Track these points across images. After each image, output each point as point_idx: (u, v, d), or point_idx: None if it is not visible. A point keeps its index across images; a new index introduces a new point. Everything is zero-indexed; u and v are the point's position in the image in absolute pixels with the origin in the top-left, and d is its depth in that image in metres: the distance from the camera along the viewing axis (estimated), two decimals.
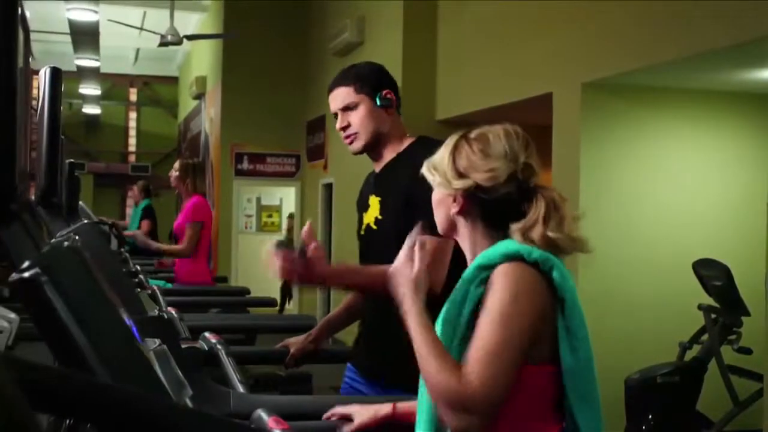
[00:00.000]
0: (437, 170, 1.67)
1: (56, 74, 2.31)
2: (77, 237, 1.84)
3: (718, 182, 6.18)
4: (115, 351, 1.23)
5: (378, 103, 2.58)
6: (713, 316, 5.26)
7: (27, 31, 1.48)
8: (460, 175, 1.62)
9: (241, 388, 2.13)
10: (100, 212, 11.29)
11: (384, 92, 2.60)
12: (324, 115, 11.53)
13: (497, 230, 1.62)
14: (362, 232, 2.70)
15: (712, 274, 5.27)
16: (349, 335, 10.10)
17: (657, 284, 5.88)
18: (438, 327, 1.57)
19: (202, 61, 15.26)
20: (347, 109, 2.59)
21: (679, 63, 5.18)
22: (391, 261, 2.51)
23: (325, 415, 1.91)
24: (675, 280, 5.80)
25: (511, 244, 1.56)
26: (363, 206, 2.71)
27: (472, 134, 1.66)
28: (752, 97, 6.11)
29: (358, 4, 10.03)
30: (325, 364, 5.02)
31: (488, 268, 1.54)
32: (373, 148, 2.63)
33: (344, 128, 2.60)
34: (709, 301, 5.33)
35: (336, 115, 2.63)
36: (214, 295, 5.75)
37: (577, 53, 6.03)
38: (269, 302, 5.56)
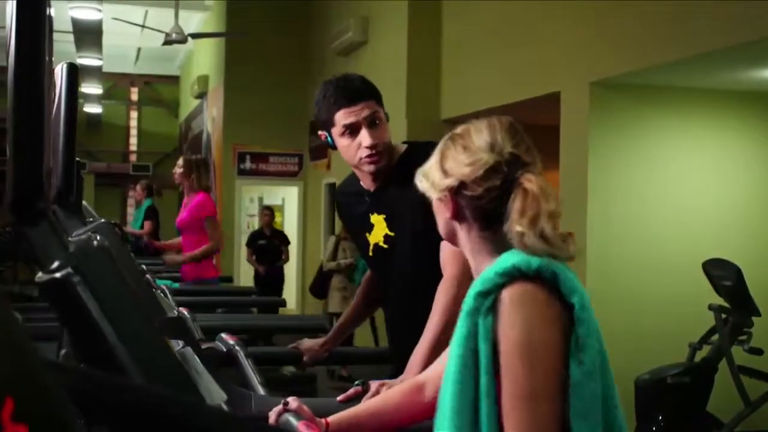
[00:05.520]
0: (426, 177, 1.59)
1: (73, 71, 2.28)
2: (98, 236, 1.80)
3: (729, 181, 6.15)
4: (147, 351, 1.20)
5: (386, 119, 2.48)
6: (724, 316, 5.23)
7: (51, 31, 1.46)
8: (445, 175, 1.53)
9: (261, 390, 2.09)
10: (101, 212, 11.28)
11: (384, 108, 2.49)
12: None
13: (494, 232, 1.50)
14: (371, 254, 2.59)
15: (723, 274, 5.24)
16: (356, 337, 9.98)
17: (666, 284, 5.84)
18: (453, 369, 1.45)
19: (204, 60, 15.23)
20: (375, 122, 2.42)
21: (687, 62, 5.16)
22: (409, 270, 2.49)
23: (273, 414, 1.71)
24: (685, 280, 5.77)
25: (506, 259, 1.45)
26: (363, 227, 2.59)
27: (458, 131, 1.58)
28: (759, 95, 6.08)
29: (362, 4, 10.00)
30: (326, 365, 5.00)
31: (489, 293, 1.42)
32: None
33: (374, 145, 2.41)
34: (720, 301, 5.30)
35: (354, 126, 2.42)
36: (220, 295, 5.72)
37: (585, 52, 6.00)
38: (276, 303, 5.54)
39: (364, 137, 2.40)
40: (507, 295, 1.40)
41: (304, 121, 12.47)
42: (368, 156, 2.42)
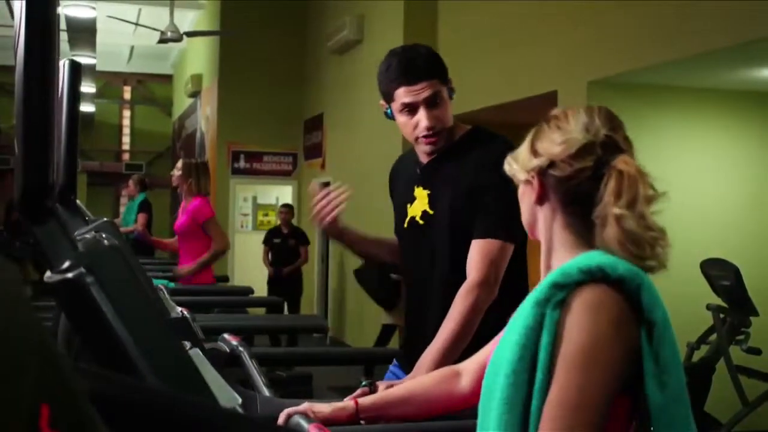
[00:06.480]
0: (516, 159, 1.51)
1: (75, 68, 2.25)
2: (104, 235, 1.78)
3: (727, 180, 6.14)
4: (161, 353, 1.18)
5: (450, 95, 2.41)
6: (722, 316, 5.23)
7: (58, 29, 1.45)
8: (535, 155, 1.46)
9: (266, 392, 2.07)
10: (93, 212, 11.27)
11: (449, 81, 2.42)
12: (322, 114, 11.47)
13: (580, 220, 1.42)
14: (405, 225, 2.50)
15: (721, 274, 5.24)
16: (352, 337, 9.94)
17: (664, 284, 5.79)
18: (510, 357, 1.35)
19: (197, 58, 15.19)
20: (434, 103, 2.35)
21: (685, 61, 5.15)
22: (440, 254, 2.41)
23: (282, 416, 1.65)
24: (683, 280, 5.75)
25: (592, 258, 1.35)
26: (406, 197, 2.51)
27: (554, 112, 1.51)
28: (759, 95, 6.08)
29: (358, 2, 9.98)
30: (324, 366, 4.99)
31: (565, 287, 1.32)
32: None
33: (432, 127, 2.35)
34: (718, 301, 5.29)
35: (412, 105, 2.36)
36: (217, 294, 5.69)
37: (583, 52, 5.99)
38: (274, 303, 5.51)
39: (422, 118, 2.35)
40: (583, 294, 1.32)
41: (299, 120, 12.45)
42: (425, 136, 2.38)
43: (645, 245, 1.37)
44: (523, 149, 1.51)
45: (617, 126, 1.46)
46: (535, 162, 1.45)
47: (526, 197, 1.51)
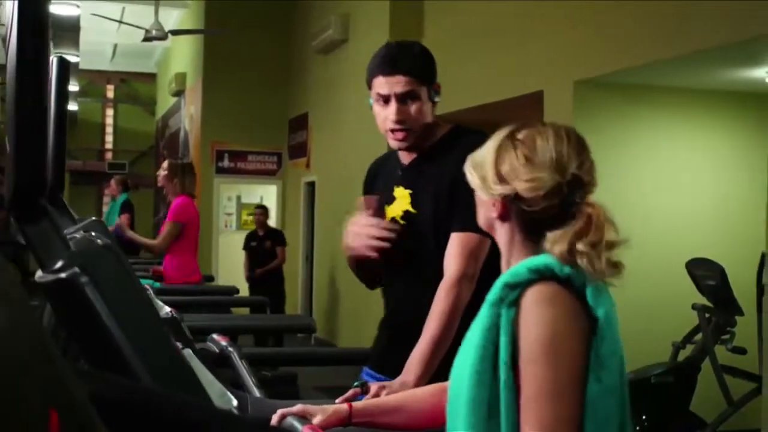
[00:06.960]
0: (477, 171, 1.53)
1: (64, 65, 2.24)
2: (94, 234, 1.76)
3: (712, 181, 6.16)
4: (156, 353, 1.17)
5: (431, 97, 2.39)
6: (707, 315, 5.24)
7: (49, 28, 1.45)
8: (501, 180, 1.48)
9: (257, 392, 2.05)
10: (77, 211, 11.20)
11: (435, 85, 2.41)
12: (307, 113, 11.45)
13: (536, 242, 1.47)
14: None
15: (706, 274, 5.25)
16: (346, 337, 9.89)
17: (650, 283, 5.85)
18: (472, 359, 1.41)
19: (182, 57, 15.14)
20: (407, 99, 2.34)
21: (671, 61, 5.17)
22: (424, 254, 2.39)
23: (275, 417, 1.65)
24: (668, 280, 5.78)
25: (539, 258, 1.43)
26: (384, 198, 2.48)
27: (520, 135, 1.50)
28: (745, 95, 6.10)
29: (343, 2, 9.97)
30: (309, 366, 4.98)
31: (516, 286, 1.40)
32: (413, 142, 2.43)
33: (399, 121, 2.35)
34: (703, 300, 5.31)
35: (385, 97, 2.35)
36: (203, 294, 5.67)
37: (569, 51, 6.00)
38: (259, 303, 5.51)
39: (391, 112, 2.34)
40: (535, 291, 1.39)
41: (284, 120, 12.42)
42: (392, 131, 2.37)
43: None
44: (487, 165, 1.52)
45: (585, 157, 1.49)
46: (501, 190, 1.48)
47: (485, 208, 1.54)
